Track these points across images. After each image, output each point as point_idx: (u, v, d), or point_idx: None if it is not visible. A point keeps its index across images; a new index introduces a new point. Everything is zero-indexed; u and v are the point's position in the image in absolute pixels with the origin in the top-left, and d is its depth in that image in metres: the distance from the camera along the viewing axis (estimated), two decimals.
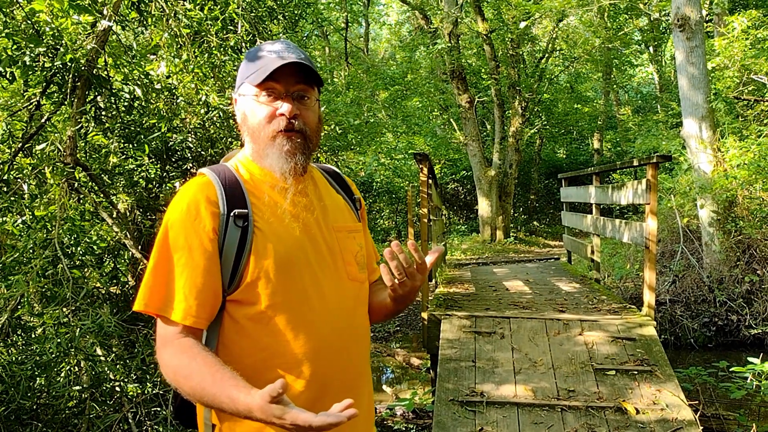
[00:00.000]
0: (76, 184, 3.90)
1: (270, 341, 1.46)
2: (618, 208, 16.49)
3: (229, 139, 4.61)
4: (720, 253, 8.02)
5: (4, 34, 3.61)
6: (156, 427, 3.64)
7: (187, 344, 1.39)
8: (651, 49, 21.46)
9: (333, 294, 1.54)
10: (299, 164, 1.53)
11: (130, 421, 3.48)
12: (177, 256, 1.43)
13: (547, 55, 18.28)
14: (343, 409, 1.19)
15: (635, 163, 5.94)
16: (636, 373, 4.20)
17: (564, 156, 25.58)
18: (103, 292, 4.07)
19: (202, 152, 4.60)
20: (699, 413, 4.47)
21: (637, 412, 3.78)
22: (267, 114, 1.51)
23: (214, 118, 4.47)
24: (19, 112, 4.08)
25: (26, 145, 3.88)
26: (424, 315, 5.23)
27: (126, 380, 3.69)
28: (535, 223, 21.80)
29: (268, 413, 1.20)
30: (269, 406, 1.19)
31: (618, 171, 14.35)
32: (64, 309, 3.46)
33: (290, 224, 1.52)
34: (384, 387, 6.41)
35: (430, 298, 5.85)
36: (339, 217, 1.64)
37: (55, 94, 3.99)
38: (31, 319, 3.56)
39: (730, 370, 4.96)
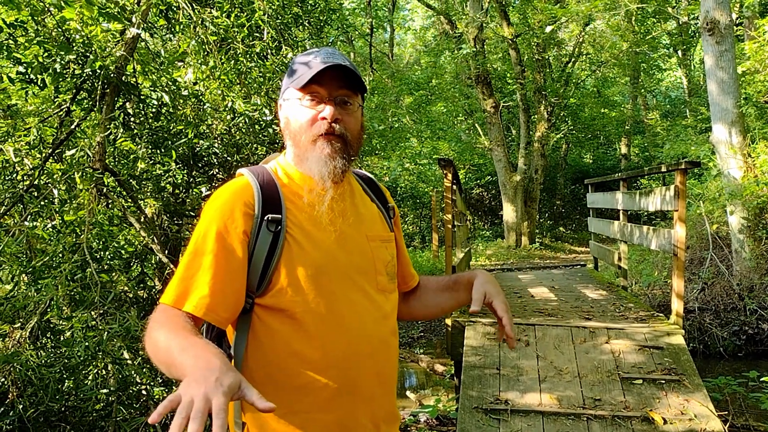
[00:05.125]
0: (104, 190, 3.96)
1: (300, 347, 1.45)
2: (646, 214, 16.29)
3: (255, 145, 4.65)
4: (750, 260, 7.87)
5: (35, 42, 3.68)
6: None
7: (180, 319, 1.37)
8: (679, 53, 21.19)
9: (364, 303, 1.54)
10: (338, 168, 1.52)
11: (156, 424, 3.51)
12: (206, 256, 1.43)
13: (573, 59, 18.15)
14: None
15: (663, 168, 5.86)
16: (663, 382, 4.14)
17: (591, 161, 25.36)
18: (131, 296, 4.11)
19: (228, 158, 4.64)
20: (728, 424, 4.40)
21: (665, 422, 3.72)
22: (309, 117, 1.52)
23: (240, 124, 4.51)
24: (49, 118, 4.15)
25: (56, 151, 3.95)
26: (448, 321, 5.21)
27: (152, 383, 3.72)
28: (560, 228, 21.62)
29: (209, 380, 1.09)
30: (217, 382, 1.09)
31: (646, 177, 14.18)
32: (92, 312, 3.50)
33: (325, 231, 1.51)
34: (408, 393, 6.39)
35: None
36: (373, 226, 1.64)
37: (85, 101, 4.05)
38: (60, 322, 3.61)
39: (761, 380, 4.86)
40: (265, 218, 1.46)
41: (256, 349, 1.48)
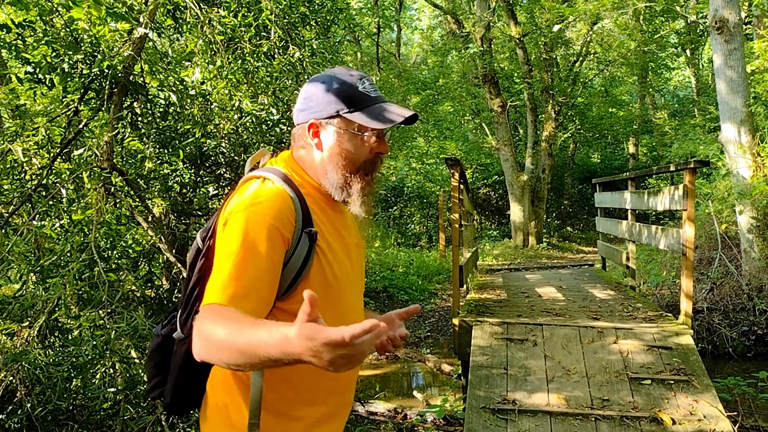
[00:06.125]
0: (112, 189, 3.97)
1: None
2: (654, 214, 16.23)
3: (262, 144, 4.65)
4: (759, 260, 7.82)
5: (44, 42, 3.70)
6: (188, 429, 3.68)
7: (233, 312, 1.35)
8: (688, 52, 21.08)
9: (358, 309, 1.69)
10: (372, 205, 1.64)
11: (164, 423, 3.52)
12: (257, 257, 1.42)
13: (581, 58, 18.08)
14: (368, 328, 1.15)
15: (672, 168, 5.82)
16: (672, 382, 4.11)
17: (598, 161, 25.27)
18: (138, 295, 4.12)
19: (236, 157, 4.64)
20: (738, 425, 4.37)
21: (674, 422, 3.70)
22: (367, 153, 1.61)
23: (247, 124, 4.51)
24: (57, 118, 4.17)
25: (64, 150, 3.96)
26: (456, 321, 5.20)
27: None
28: (568, 228, 21.55)
29: (304, 334, 1.13)
30: (305, 326, 1.14)
31: (654, 176, 14.12)
32: (100, 311, 3.51)
33: (340, 244, 1.62)
34: (415, 393, 6.39)
35: (461, 304, 5.81)
36: (357, 234, 1.75)
37: (93, 101, 4.06)
38: (68, 321, 3.62)
39: None
40: (305, 230, 1.52)
41: None
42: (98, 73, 3.82)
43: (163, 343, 1.68)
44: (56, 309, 3.50)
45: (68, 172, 3.90)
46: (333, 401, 1.63)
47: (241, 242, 1.43)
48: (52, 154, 3.95)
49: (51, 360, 3.39)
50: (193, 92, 4.34)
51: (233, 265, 1.41)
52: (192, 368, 1.58)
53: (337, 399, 1.65)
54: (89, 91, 3.98)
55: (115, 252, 3.92)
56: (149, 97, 4.25)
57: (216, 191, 4.75)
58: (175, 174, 4.64)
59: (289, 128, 4.62)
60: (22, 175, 3.98)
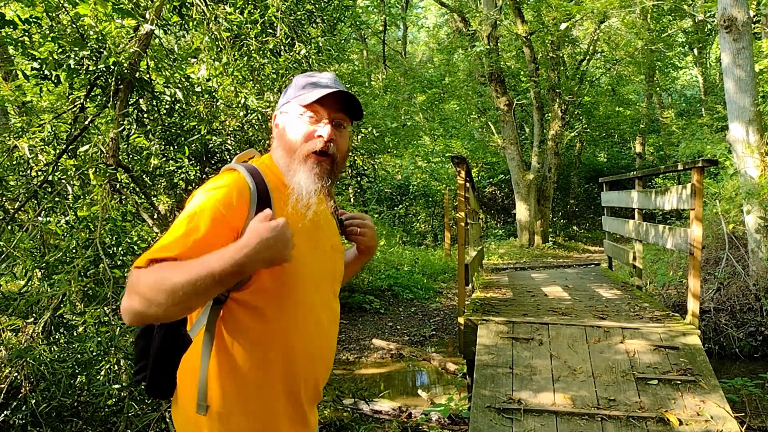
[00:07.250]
0: (118, 186, 3.96)
1: (269, 342, 1.58)
2: (660, 213, 16.17)
3: (267, 141, 4.64)
4: (767, 260, 7.78)
5: (50, 38, 3.70)
6: None
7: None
8: (695, 50, 20.99)
9: (324, 308, 1.70)
10: (324, 187, 1.64)
11: (168, 420, 3.51)
12: (199, 233, 1.46)
13: (588, 57, 18.01)
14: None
15: (680, 167, 5.79)
16: (679, 383, 4.09)
17: (605, 160, 25.20)
18: None
19: None
20: (745, 426, 4.34)
21: (680, 423, 3.67)
22: (306, 133, 1.63)
23: (253, 121, 4.50)
24: (63, 115, 4.17)
25: (70, 147, 3.96)
26: (461, 320, 5.18)
27: None
28: (574, 228, 21.50)
29: (259, 228, 1.37)
30: (260, 224, 1.37)
31: (660, 175, 14.07)
32: (105, 308, 3.51)
33: (305, 240, 1.62)
34: (419, 392, 6.37)
35: (466, 302, 5.79)
36: (335, 237, 1.79)
37: (99, 97, 4.06)
38: (73, 317, 3.62)
39: None
40: None
41: (225, 344, 1.58)
42: (104, 69, 3.82)
43: (147, 330, 1.73)
44: (61, 305, 3.50)
45: (74, 169, 3.90)
46: (279, 406, 1.65)
47: (186, 220, 1.49)
48: (57, 151, 3.95)
49: (56, 356, 3.39)
50: (198, 89, 4.34)
51: (172, 238, 1.46)
52: (166, 355, 1.66)
53: (284, 404, 1.66)
54: (95, 88, 3.98)
55: (120, 249, 3.92)
56: (155, 93, 4.24)
57: None
58: (180, 171, 4.63)
59: None
60: (28, 171, 3.99)
